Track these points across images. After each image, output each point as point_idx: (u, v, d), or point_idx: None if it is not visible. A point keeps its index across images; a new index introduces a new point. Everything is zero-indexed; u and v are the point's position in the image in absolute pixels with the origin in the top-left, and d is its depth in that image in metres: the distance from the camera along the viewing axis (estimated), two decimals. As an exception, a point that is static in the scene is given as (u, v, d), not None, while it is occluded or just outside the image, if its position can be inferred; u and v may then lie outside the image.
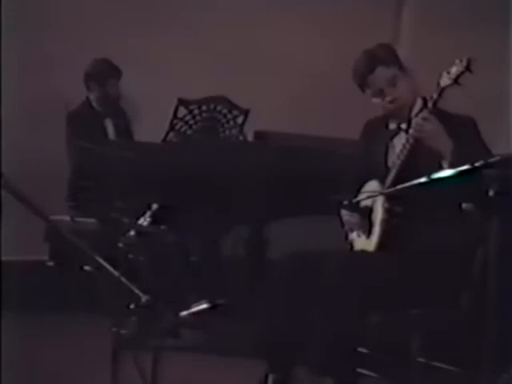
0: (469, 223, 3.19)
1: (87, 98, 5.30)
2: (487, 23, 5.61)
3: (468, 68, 3.03)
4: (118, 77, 5.27)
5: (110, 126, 5.34)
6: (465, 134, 3.17)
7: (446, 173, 2.62)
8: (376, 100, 3.35)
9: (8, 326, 3.94)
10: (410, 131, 3.22)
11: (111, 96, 5.27)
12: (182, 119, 4.47)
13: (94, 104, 5.30)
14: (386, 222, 3.23)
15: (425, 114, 3.15)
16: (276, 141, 4.79)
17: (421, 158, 3.16)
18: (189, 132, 4.50)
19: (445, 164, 3.10)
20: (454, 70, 3.06)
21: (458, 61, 3.07)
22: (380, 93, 3.33)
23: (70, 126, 5.21)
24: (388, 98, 3.32)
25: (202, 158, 4.39)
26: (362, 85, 3.37)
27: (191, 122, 4.49)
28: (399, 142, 3.33)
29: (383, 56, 3.34)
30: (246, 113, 4.55)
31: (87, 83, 5.28)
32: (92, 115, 5.27)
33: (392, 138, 3.41)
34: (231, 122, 4.57)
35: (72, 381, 3.71)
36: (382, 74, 3.31)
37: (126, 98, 5.38)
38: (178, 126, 4.48)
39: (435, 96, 3.14)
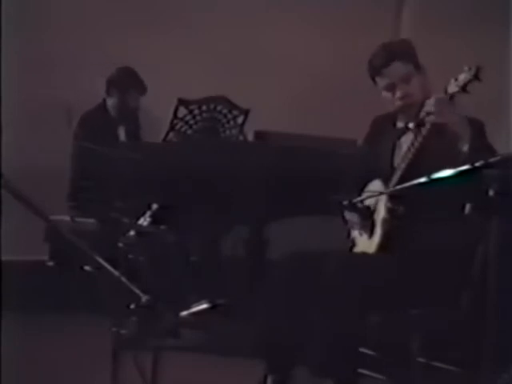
0: (469, 223, 3.18)
1: (104, 100, 5.28)
2: (487, 23, 5.61)
3: (476, 76, 3.01)
4: (140, 91, 5.21)
5: (122, 133, 5.31)
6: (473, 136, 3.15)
7: (446, 173, 2.62)
8: (386, 94, 3.33)
9: (8, 326, 3.94)
10: (431, 117, 3.15)
11: (129, 106, 5.24)
12: (182, 119, 4.47)
13: (110, 109, 5.26)
14: (387, 222, 3.23)
15: (443, 96, 3.12)
16: (276, 141, 4.78)
17: (426, 159, 3.15)
18: (189, 132, 4.50)
19: (465, 147, 3.05)
20: (462, 78, 3.03)
21: (466, 68, 3.03)
22: (392, 87, 3.31)
23: (83, 127, 5.18)
24: (398, 94, 3.30)
25: (202, 157, 4.39)
26: (376, 76, 3.35)
27: (191, 122, 4.49)
28: (406, 142, 3.31)
29: (402, 51, 3.33)
30: (246, 113, 4.55)
31: (108, 88, 5.23)
32: (106, 120, 5.24)
33: (400, 138, 3.39)
34: (231, 122, 4.57)
35: (72, 381, 3.71)
36: (398, 69, 3.29)
37: (145, 111, 5.36)
38: (178, 126, 4.48)
39: None
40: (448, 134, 3.11)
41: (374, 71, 3.35)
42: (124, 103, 5.21)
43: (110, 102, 5.25)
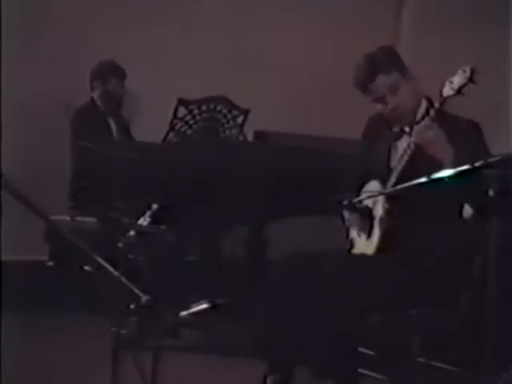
0: (469, 223, 3.18)
1: (92, 97, 5.32)
2: (487, 23, 5.61)
3: (471, 79, 2.99)
4: (120, 76, 5.29)
5: (113, 125, 5.36)
6: (468, 140, 3.15)
7: (446, 173, 2.62)
8: (378, 106, 3.33)
9: (8, 326, 3.94)
10: (412, 138, 3.20)
11: (112, 95, 5.29)
12: (181, 119, 4.47)
13: (98, 103, 5.31)
14: (386, 223, 3.23)
15: (427, 121, 3.13)
16: (276, 141, 4.79)
17: (423, 161, 3.15)
18: (189, 132, 4.50)
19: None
20: (457, 80, 3.02)
21: (460, 71, 3.01)
22: (381, 100, 3.30)
23: (76, 124, 5.21)
24: (390, 106, 3.29)
25: (202, 157, 4.39)
26: (363, 91, 3.34)
27: (191, 121, 4.49)
28: (402, 145, 3.31)
29: (384, 62, 3.29)
30: (245, 113, 4.55)
31: (91, 82, 5.30)
32: (97, 114, 5.28)
33: (395, 140, 3.39)
34: (231, 122, 4.57)
35: (72, 381, 3.71)
36: (383, 81, 3.27)
37: (131, 96, 5.39)
38: (178, 126, 4.48)
39: (437, 105, 3.11)
40: (428, 156, 3.12)
41: (361, 87, 3.33)
42: (106, 92, 5.27)
43: (96, 95, 5.31)
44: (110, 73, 5.28)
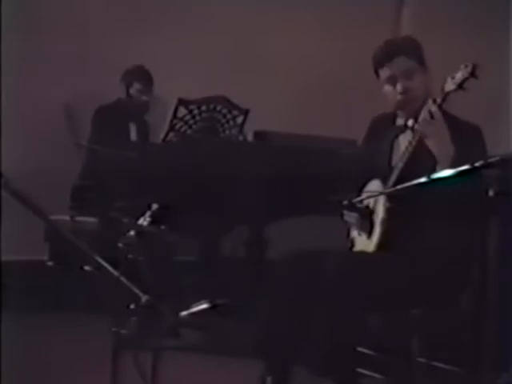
0: (469, 223, 3.18)
1: (119, 98, 5.36)
2: (487, 23, 5.61)
3: (473, 74, 3.02)
4: (145, 82, 5.30)
5: (133, 129, 5.37)
6: (468, 142, 3.15)
7: (446, 173, 2.62)
8: (387, 88, 3.34)
9: (8, 326, 3.94)
10: (416, 126, 3.20)
11: (134, 99, 5.29)
12: (181, 119, 4.47)
13: (122, 105, 5.33)
14: (386, 222, 3.22)
15: (434, 109, 3.13)
16: (276, 141, 4.78)
17: (424, 157, 3.16)
18: (189, 132, 4.50)
19: (439, 169, 3.08)
20: (459, 76, 3.05)
21: (462, 66, 3.05)
22: (393, 80, 3.31)
23: (93, 122, 5.23)
24: (399, 88, 3.30)
25: (201, 157, 4.39)
26: (378, 68, 3.36)
27: (191, 121, 4.49)
28: (404, 141, 3.32)
29: (406, 47, 3.35)
30: (245, 113, 4.55)
31: (121, 84, 5.33)
32: (117, 115, 5.29)
33: (397, 136, 3.39)
34: (231, 122, 4.57)
35: (72, 381, 3.71)
36: (401, 63, 3.30)
37: (159, 103, 5.39)
38: (177, 126, 4.48)
39: (439, 101, 3.12)
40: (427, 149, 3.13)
41: (378, 64, 3.36)
42: (130, 97, 5.29)
43: (122, 98, 5.32)
44: (134, 77, 5.30)
